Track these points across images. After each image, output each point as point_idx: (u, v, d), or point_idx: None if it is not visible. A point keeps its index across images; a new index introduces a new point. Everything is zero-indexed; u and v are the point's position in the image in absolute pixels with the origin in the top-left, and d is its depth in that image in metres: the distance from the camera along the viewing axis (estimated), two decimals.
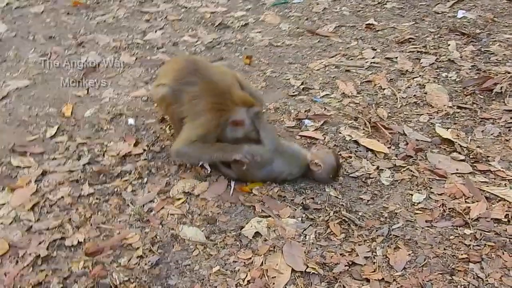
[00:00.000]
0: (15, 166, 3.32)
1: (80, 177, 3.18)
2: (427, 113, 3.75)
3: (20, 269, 2.57)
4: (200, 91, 3.06)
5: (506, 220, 2.81)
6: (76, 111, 3.90)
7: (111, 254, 2.64)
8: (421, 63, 4.45)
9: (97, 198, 3.02)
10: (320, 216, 2.84)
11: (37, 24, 5.52)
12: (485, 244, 2.66)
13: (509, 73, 4.10)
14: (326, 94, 4.00)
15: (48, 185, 3.13)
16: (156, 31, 5.21)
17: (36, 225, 2.84)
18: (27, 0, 6.21)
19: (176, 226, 2.79)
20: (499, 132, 3.56)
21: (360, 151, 3.36)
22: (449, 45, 4.72)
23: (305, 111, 3.78)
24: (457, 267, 2.53)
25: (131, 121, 3.72)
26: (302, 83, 4.14)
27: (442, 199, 2.95)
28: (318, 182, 3.09)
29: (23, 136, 3.63)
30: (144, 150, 3.40)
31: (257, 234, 2.72)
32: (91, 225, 2.83)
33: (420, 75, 4.25)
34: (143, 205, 2.94)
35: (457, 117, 3.71)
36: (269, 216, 2.84)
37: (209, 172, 3.16)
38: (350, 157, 3.30)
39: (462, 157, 3.28)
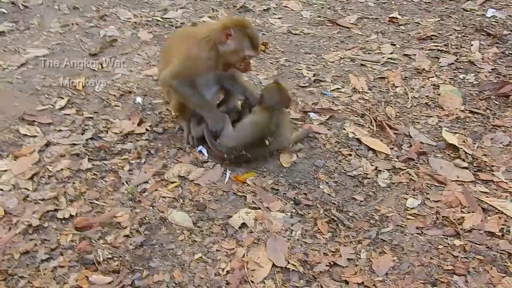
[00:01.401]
0: (22, 134, 3.41)
1: (81, 151, 3.25)
2: (437, 116, 3.67)
3: (12, 236, 2.67)
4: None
5: (500, 234, 2.74)
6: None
7: (99, 231, 2.70)
8: (440, 62, 4.34)
9: (94, 174, 3.08)
10: (310, 213, 2.84)
11: None
12: (474, 257, 2.60)
13: None
14: (337, 88, 3.96)
15: (50, 156, 3.21)
16: (177, 10, 5.22)
17: (33, 195, 2.93)
18: None
19: (166, 209, 2.82)
20: (509, 141, 3.45)
21: (361, 149, 3.32)
22: (472, 45, 4.59)
23: (313, 103, 3.75)
24: (441, 278, 2.49)
25: (138, 99, 3.76)
26: (314, 75, 4.10)
27: (437, 207, 2.91)
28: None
29: (34, 105, 3.72)
30: (147, 130, 3.44)
31: (243, 225, 2.73)
32: (84, 200, 2.89)
33: (436, 75, 4.15)
34: (137, 185, 2.99)
35: (468, 122, 3.62)
36: (259, 208, 2.84)
37: (206, 158, 3.19)
38: (350, 155, 3.27)
39: (466, 165, 3.21)
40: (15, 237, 2.66)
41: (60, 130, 3.45)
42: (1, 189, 2.97)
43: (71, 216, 2.79)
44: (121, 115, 3.60)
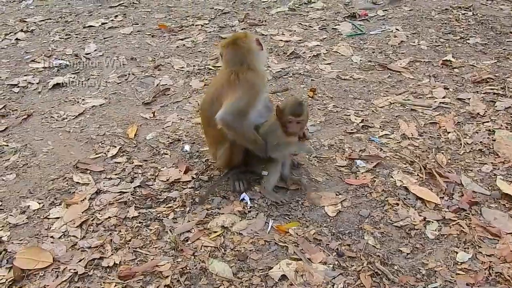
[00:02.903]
0: (75, 182, 3.55)
1: (129, 199, 3.33)
2: (492, 163, 3.51)
3: (58, 283, 2.75)
4: None
5: None
6: (140, 133, 4.10)
7: (141, 280, 2.72)
8: (496, 106, 4.18)
9: (139, 222, 3.14)
10: (353, 265, 2.75)
11: (123, 45, 5.90)
12: None
13: None
14: (385, 134, 3.88)
15: (99, 204, 3.32)
16: None
17: (81, 242, 3.02)
18: (120, 21, 6.65)
19: (207, 259, 2.82)
20: None
21: (409, 199, 3.21)
22: None
23: (360, 150, 3.69)
24: None
25: (186, 147, 3.84)
26: (362, 121, 4.04)
27: (490, 261, 2.74)
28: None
29: (88, 153, 3.88)
30: (193, 178, 3.49)
31: (283, 277, 2.68)
32: (129, 248, 2.95)
33: (491, 120, 3.99)
34: (181, 234, 3.01)
35: None
36: (300, 259, 2.79)
37: (249, 206, 3.18)
38: (397, 204, 3.16)
39: None
40: (62, 285, 2.74)
41: (111, 178, 3.57)
42: (52, 237, 3.09)
43: (115, 264, 2.84)
44: (169, 163, 3.68)
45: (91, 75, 5.22)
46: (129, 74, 5.16)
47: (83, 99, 4.74)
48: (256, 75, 3.14)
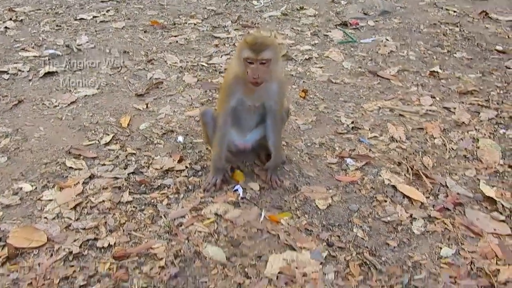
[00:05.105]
0: (68, 167, 3.56)
1: (123, 184, 3.36)
2: (475, 168, 3.65)
3: (53, 261, 2.76)
4: None
5: None
6: (133, 123, 4.13)
7: (135, 261, 2.76)
8: (480, 116, 4.34)
9: (134, 207, 3.17)
10: (342, 255, 2.83)
11: (115, 38, 5.92)
12: None
13: None
14: (374, 136, 3.99)
15: (93, 188, 3.34)
16: (221, 56, 5.43)
17: (75, 224, 3.04)
18: (112, 16, 6.67)
19: (200, 243, 2.87)
20: None
21: (397, 197, 3.32)
22: None
23: (350, 150, 3.79)
24: None
25: (180, 138, 3.89)
26: (352, 122, 4.16)
27: (472, 257, 2.85)
28: None
29: (81, 140, 3.90)
30: (186, 167, 3.54)
31: (276, 263, 2.75)
32: (123, 230, 2.98)
33: (476, 129, 4.14)
34: (175, 219, 3.06)
35: (506, 177, 3.58)
36: (292, 247, 2.86)
37: (241, 196, 3.25)
38: (385, 201, 3.27)
39: (503, 218, 3.16)
40: (56, 263, 2.75)
41: (104, 164, 3.59)
42: (46, 218, 3.10)
43: (109, 245, 2.87)
44: (163, 152, 3.73)
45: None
46: (121, 66, 5.19)
47: (75, 88, 4.74)
48: None
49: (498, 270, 2.75)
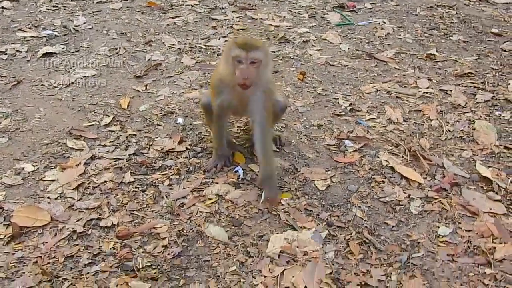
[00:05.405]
0: (69, 148, 3.59)
1: (124, 165, 3.40)
2: (471, 149, 3.71)
3: (57, 240, 2.81)
4: None
5: None
6: (132, 104, 4.16)
7: (139, 240, 2.82)
8: (476, 99, 4.40)
9: (136, 187, 3.22)
10: (342, 234, 2.90)
11: (113, 19, 5.89)
12: (505, 286, 2.62)
13: None
14: (372, 118, 4.04)
15: (95, 169, 3.37)
16: (219, 38, 5.42)
17: (78, 204, 3.08)
18: None
19: (203, 223, 2.93)
20: None
21: (395, 177, 3.38)
22: (509, 84, 4.65)
23: (348, 131, 3.84)
24: None
25: (180, 120, 3.92)
26: (350, 104, 4.20)
27: (469, 236, 2.93)
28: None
29: (81, 121, 3.92)
30: (187, 148, 3.58)
31: (277, 242, 2.81)
32: (126, 210, 3.03)
33: (472, 111, 4.20)
34: (176, 200, 3.11)
35: (502, 157, 3.65)
36: (292, 227, 2.92)
37: (241, 177, 3.30)
38: (383, 181, 3.33)
39: (499, 197, 3.23)
40: (60, 242, 2.81)
41: (105, 145, 3.62)
42: (48, 197, 3.14)
43: (113, 225, 2.92)
44: (163, 133, 3.76)
45: (81, 46, 5.21)
46: (119, 47, 5.18)
47: (73, 69, 4.74)
48: None
49: (494, 248, 2.83)
